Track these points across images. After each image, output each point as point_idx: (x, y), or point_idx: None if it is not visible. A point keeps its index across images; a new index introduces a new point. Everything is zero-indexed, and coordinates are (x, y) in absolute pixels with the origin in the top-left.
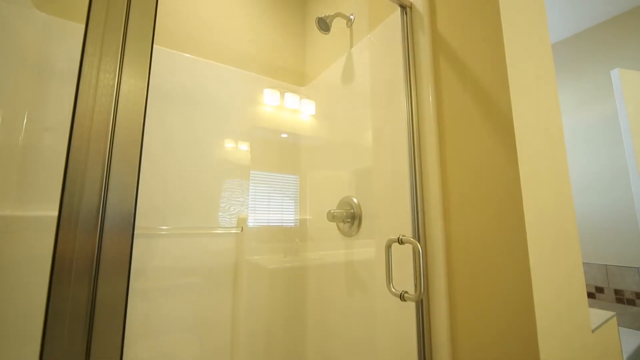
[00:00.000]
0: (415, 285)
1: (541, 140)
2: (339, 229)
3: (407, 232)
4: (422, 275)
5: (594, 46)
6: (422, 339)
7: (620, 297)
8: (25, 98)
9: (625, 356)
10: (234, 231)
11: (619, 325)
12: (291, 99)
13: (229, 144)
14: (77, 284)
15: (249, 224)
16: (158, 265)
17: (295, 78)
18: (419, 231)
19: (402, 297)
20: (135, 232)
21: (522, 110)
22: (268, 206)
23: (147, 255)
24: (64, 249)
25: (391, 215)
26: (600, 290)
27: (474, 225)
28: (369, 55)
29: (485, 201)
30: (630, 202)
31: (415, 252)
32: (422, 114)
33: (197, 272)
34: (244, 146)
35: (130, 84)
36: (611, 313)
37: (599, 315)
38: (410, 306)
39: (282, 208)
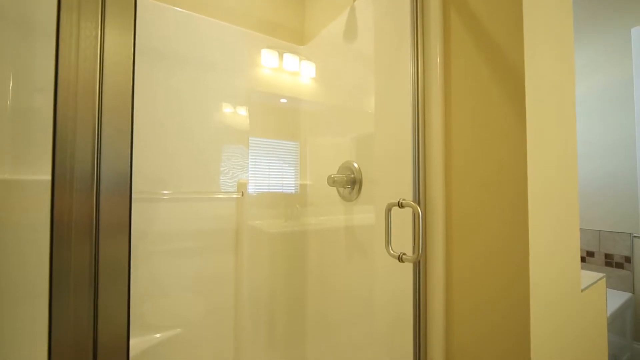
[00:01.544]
0: (414, 247)
1: (552, 105)
2: (339, 193)
3: (408, 196)
4: (421, 237)
5: (614, 1)
6: (417, 299)
7: (609, 261)
8: (7, 58)
9: (608, 313)
10: (234, 196)
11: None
12: (290, 60)
13: (227, 109)
14: (78, 245)
15: (249, 190)
16: (161, 229)
17: (294, 36)
18: (419, 195)
19: (400, 259)
20: (137, 196)
21: (535, 72)
22: (268, 172)
23: (150, 219)
24: (61, 212)
25: (392, 180)
26: (591, 254)
27: (476, 189)
28: (373, 9)
29: (488, 165)
30: (632, 170)
31: (415, 215)
32: (428, 75)
33: (199, 236)
34: (243, 111)
35: (115, 38)
36: (601, 275)
37: (589, 276)
38: (408, 267)
39: (282, 174)
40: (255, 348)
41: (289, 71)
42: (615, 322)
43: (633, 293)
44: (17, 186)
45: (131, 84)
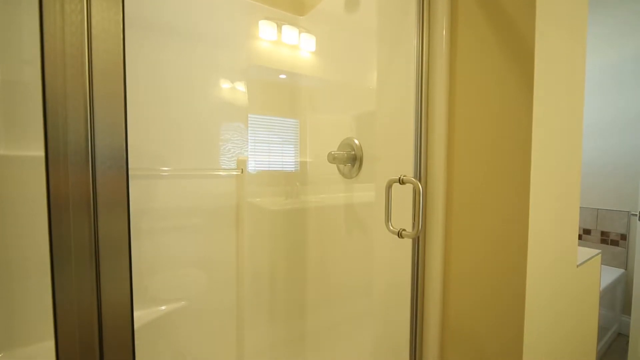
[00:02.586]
0: (413, 224)
1: (561, 82)
2: (339, 171)
3: (409, 173)
4: (421, 213)
5: None
6: (416, 274)
7: (605, 239)
8: None
9: (601, 288)
10: (234, 173)
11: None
12: (289, 32)
13: (225, 84)
14: (77, 220)
15: (249, 168)
16: (162, 206)
17: (293, 5)
18: (420, 172)
19: (399, 235)
20: (137, 173)
21: (546, 47)
22: (268, 150)
23: (150, 196)
24: (57, 188)
25: (393, 156)
26: (587, 232)
27: (478, 166)
28: None
29: (492, 143)
30: (636, 148)
31: (415, 191)
32: (433, 48)
33: (200, 213)
34: (241, 87)
35: (102, 4)
36: (597, 251)
37: (586, 252)
38: (407, 244)
39: (282, 152)
40: (256, 320)
41: (288, 44)
42: (606, 296)
43: (626, 269)
44: (12, 162)
45: (122, 55)
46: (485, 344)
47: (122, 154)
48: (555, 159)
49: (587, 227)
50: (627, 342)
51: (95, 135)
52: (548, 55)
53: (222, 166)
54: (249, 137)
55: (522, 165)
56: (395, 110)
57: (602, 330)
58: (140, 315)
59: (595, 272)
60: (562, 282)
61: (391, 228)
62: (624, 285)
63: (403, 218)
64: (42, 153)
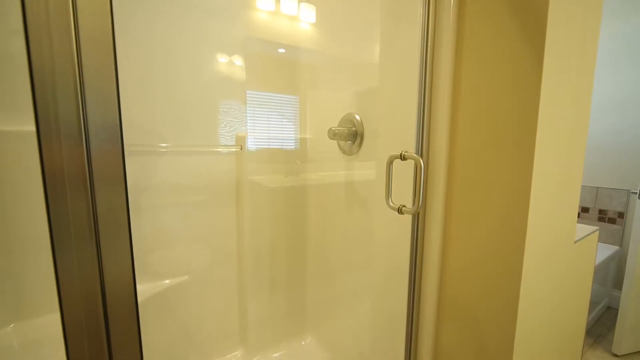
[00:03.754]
0: (414, 200)
1: (572, 58)
2: (340, 147)
3: (410, 149)
4: (422, 190)
5: None
6: (415, 250)
7: (602, 217)
8: None
9: (595, 263)
10: (233, 149)
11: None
12: (288, 2)
13: (221, 58)
14: (74, 197)
15: (248, 146)
16: (162, 183)
17: None
18: (422, 148)
19: (399, 211)
20: (135, 149)
21: (559, 20)
22: (267, 127)
23: (149, 173)
24: (52, 164)
25: (394, 132)
26: (585, 210)
27: (482, 143)
28: None
29: (496, 118)
30: (638, 126)
31: (417, 167)
32: (439, 20)
33: (200, 190)
34: (239, 61)
35: None
36: (595, 228)
37: (584, 229)
38: (407, 220)
39: (281, 130)
40: (258, 293)
41: (286, 15)
42: (600, 271)
43: (620, 246)
44: (6, 138)
45: (110, 25)
46: (481, 312)
47: (116, 127)
48: (561, 137)
49: (586, 205)
50: (616, 314)
51: (87, 109)
52: (561, 28)
53: (222, 142)
54: (248, 114)
55: (527, 143)
56: (398, 85)
57: (592, 303)
58: (145, 289)
59: (592, 248)
60: (559, 256)
61: (391, 204)
62: (617, 261)
63: (403, 192)
64: (32, 128)
